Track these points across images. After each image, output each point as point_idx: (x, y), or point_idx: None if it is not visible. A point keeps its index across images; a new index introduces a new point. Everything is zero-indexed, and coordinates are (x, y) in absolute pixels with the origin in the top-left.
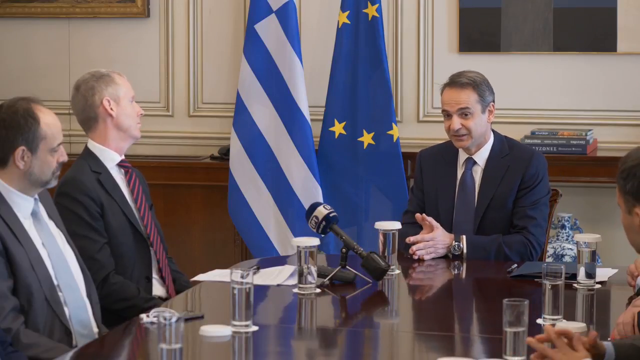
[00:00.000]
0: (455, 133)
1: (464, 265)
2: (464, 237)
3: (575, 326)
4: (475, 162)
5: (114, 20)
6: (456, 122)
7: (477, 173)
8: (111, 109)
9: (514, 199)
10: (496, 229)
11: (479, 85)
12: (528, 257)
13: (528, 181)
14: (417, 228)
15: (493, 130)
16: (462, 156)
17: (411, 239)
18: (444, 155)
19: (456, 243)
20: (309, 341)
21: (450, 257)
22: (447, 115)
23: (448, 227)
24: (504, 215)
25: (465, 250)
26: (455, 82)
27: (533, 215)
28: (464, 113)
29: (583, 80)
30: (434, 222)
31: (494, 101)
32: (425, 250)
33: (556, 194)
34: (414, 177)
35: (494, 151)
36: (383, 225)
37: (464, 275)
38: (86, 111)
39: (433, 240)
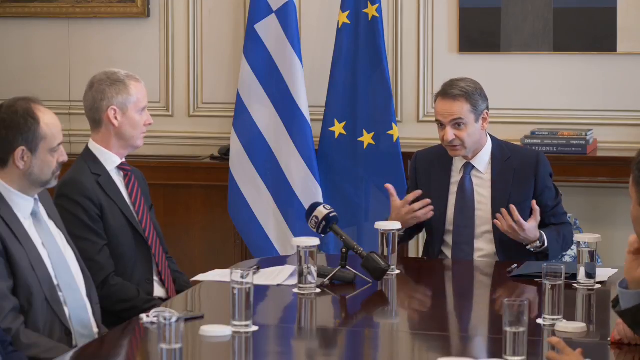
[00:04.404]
0: (449, 144)
1: (464, 265)
2: (545, 236)
3: (575, 326)
4: (474, 167)
5: (114, 20)
6: (450, 134)
7: (478, 178)
8: (115, 118)
9: (529, 203)
10: None
11: (472, 95)
12: (570, 246)
13: (543, 183)
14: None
15: (490, 135)
16: (459, 161)
17: (399, 204)
18: (439, 158)
19: (537, 244)
20: (309, 341)
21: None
22: (441, 125)
23: (441, 230)
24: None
25: (547, 245)
26: (448, 93)
27: (563, 211)
28: (457, 124)
29: (583, 80)
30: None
31: (488, 108)
32: (514, 226)
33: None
34: (409, 177)
35: (495, 156)
36: (383, 225)
37: (464, 276)
38: (92, 112)
39: (524, 232)
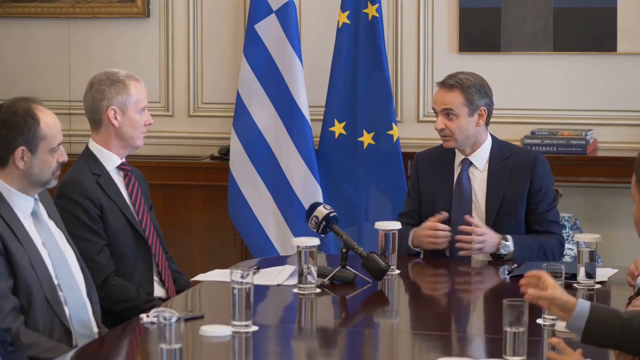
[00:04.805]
0: (439, 133)
1: (464, 265)
2: (510, 237)
3: None
4: (471, 163)
5: (114, 20)
6: (439, 122)
7: (475, 175)
8: (115, 118)
9: (524, 203)
10: (509, 235)
11: (468, 88)
12: (559, 257)
13: (538, 185)
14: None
15: (491, 134)
16: (459, 157)
17: (462, 228)
18: (440, 157)
19: (504, 242)
20: (309, 341)
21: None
22: (436, 113)
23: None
24: (515, 220)
25: (512, 250)
26: (445, 82)
27: (554, 219)
28: (448, 114)
29: (583, 80)
30: (482, 225)
31: (488, 105)
32: (479, 244)
33: (556, 193)
34: (410, 179)
35: (494, 155)
36: (383, 225)
37: (463, 275)
38: (92, 112)
39: (484, 235)
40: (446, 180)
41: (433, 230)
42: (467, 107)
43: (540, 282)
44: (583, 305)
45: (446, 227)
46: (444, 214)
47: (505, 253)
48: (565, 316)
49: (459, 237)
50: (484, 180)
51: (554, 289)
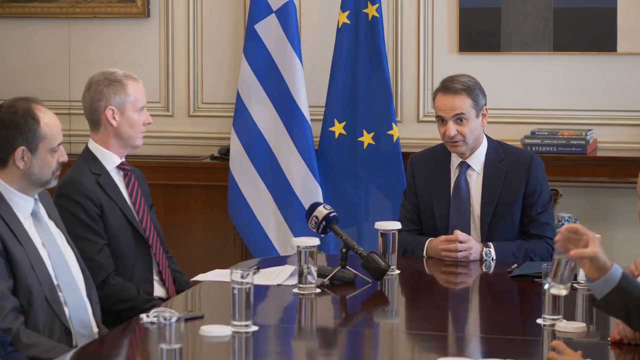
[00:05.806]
0: (450, 139)
1: (464, 265)
2: (492, 244)
3: (575, 326)
4: (469, 166)
5: (114, 20)
6: (452, 129)
7: (472, 177)
8: (113, 118)
9: (520, 204)
10: (504, 236)
11: (473, 90)
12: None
13: (533, 186)
14: (414, 235)
15: (486, 135)
16: (455, 160)
17: (443, 238)
18: (436, 159)
19: (487, 249)
20: (309, 341)
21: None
22: (442, 120)
23: (444, 232)
24: (510, 222)
25: (495, 257)
26: (449, 87)
27: (546, 221)
28: (459, 119)
29: (583, 80)
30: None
31: (486, 104)
32: (464, 252)
33: (556, 194)
34: (407, 182)
35: (490, 157)
36: (383, 225)
37: (463, 275)
38: (91, 112)
39: (468, 242)
40: (443, 183)
41: (452, 244)
42: (474, 108)
43: (578, 237)
44: (616, 273)
45: (466, 238)
46: (457, 234)
47: (489, 259)
48: (596, 275)
49: (444, 247)
50: (480, 183)
51: (594, 245)
